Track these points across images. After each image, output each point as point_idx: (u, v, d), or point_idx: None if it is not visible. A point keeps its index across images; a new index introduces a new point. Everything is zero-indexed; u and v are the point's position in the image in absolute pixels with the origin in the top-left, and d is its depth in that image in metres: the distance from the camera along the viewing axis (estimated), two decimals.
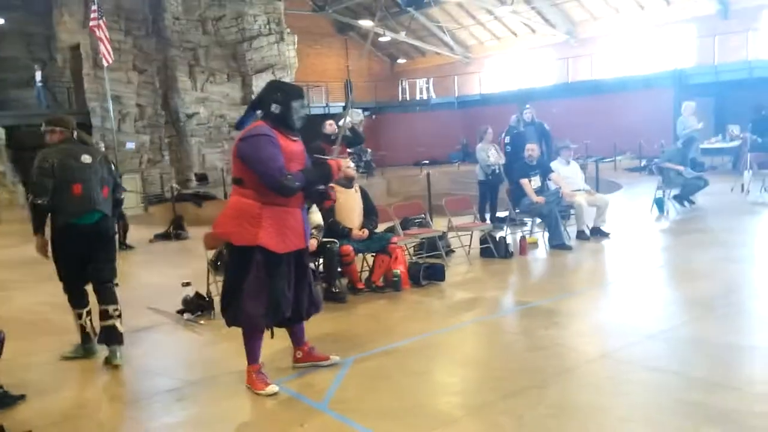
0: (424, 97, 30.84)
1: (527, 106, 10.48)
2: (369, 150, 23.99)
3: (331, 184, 4.10)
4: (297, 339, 4.23)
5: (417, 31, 31.85)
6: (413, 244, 7.54)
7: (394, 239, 6.47)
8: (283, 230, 3.78)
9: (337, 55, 33.60)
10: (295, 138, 3.89)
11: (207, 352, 4.89)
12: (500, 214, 9.79)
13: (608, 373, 3.95)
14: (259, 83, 20.87)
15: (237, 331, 3.94)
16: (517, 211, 8.51)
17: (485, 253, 7.60)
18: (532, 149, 8.26)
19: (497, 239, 7.65)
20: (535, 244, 8.13)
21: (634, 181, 15.49)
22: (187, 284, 5.86)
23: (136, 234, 10.98)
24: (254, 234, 3.70)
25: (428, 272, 6.45)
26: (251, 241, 3.71)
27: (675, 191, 10.25)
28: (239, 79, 21.53)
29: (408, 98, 31.30)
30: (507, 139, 9.86)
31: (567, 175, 8.63)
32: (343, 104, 28.43)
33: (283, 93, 3.82)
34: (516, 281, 6.84)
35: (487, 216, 9.59)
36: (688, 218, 9.68)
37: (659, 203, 10.09)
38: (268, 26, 22.16)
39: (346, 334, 5.05)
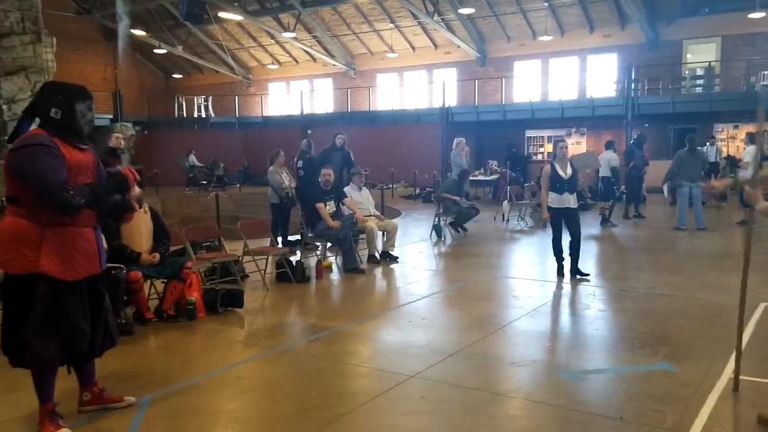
0: (203, 115, 29.77)
1: (339, 132, 10.67)
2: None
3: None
4: (86, 378, 3.65)
5: (195, 46, 30.77)
6: (204, 269, 7.08)
7: (188, 264, 5.98)
8: (71, 254, 3.27)
9: (104, 63, 30.93)
10: (83, 146, 3.38)
11: None
12: (291, 237, 9.70)
13: (421, 393, 4.04)
14: (8, 86, 18.27)
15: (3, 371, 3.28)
16: (311, 235, 8.48)
17: (282, 277, 7.42)
18: (328, 174, 8.31)
19: (294, 263, 7.53)
20: (329, 268, 8.16)
21: (411, 207, 16.53)
22: None
23: None
24: (34, 260, 3.18)
25: (225, 299, 6.08)
26: (31, 269, 3.19)
27: (451, 218, 11.11)
28: None
29: (185, 115, 29.94)
30: (300, 164, 9.84)
31: (359, 200, 8.86)
32: (110, 116, 26.23)
33: (64, 95, 3.30)
34: (315, 306, 6.77)
35: (279, 239, 9.43)
36: (463, 243, 10.55)
37: (437, 229, 10.85)
38: (21, 24, 19.48)
39: (137, 370, 4.51)
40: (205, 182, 22.55)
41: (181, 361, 4.74)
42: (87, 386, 3.65)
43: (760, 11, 18.89)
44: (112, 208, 3.49)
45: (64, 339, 3.27)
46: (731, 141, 20.03)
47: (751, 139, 12.72)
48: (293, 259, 7.84)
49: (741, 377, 4.01)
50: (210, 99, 29.94)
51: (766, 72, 19.65)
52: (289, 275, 7.33)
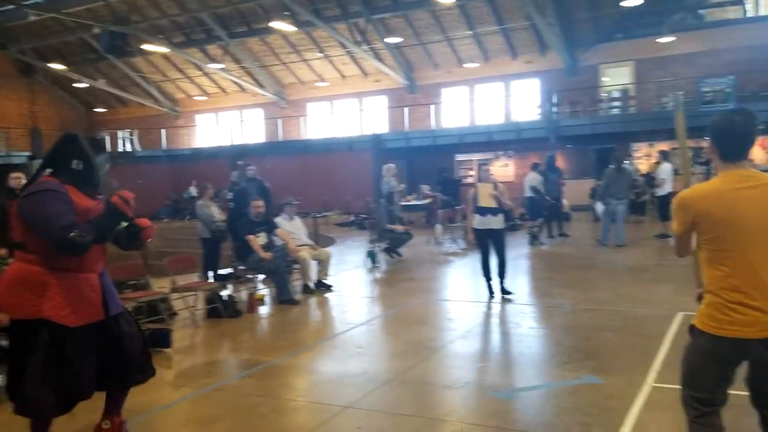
0: (128, 149, 29.02)
1: (248, 163, 10.53)
2: None
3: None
4: (112, 406, 3.70)
5: (118, 79, 30.03)
6: (130, 309, 6.81)
7: None
8: (74, 299, 3.30)
9: (19, 98, 29.76)
10: (97, 197, 3.46)
11: None
12: (222, 271, 9.51)
13: (356, 423, 4.01)
14: None
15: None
16: (243, 267, 8.35)
17: (212, 313, 7.25)
18: (258, 206, 8.23)
19: (225, 298, 7.38)
20: (262, 301, 8.04)
21: (346, 234, 16.54)
22: None
23: None
24: (37, 305, 3.23)
25: (152, 339, 5.85)
26: (34, 314, 3.22)
27: (385, 244, 11.17)
28: None
29: (108, 150, 29.11)
30: (230, 196, 9.71)
31: (291, 230, 8.80)
32: (29, 154, 25.24)
33: (84, 147, 3.41)
34: (248, 340, 6.63)
35: (210, 274, 9.22)
36: (398, 268, 10.62)
37: (372, 255, 10.89)
38: None
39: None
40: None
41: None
42: (111, 414, 3.67)
43: (669, 36, 20.16)
44: (125, 235, 3.43)
45: (64, 386, 3.27)
46: (647, 159, 21.08)
47: (665, 156, 13.44)
48: (224, 293, 7.68)
49: (663, 385, 4.18)
50: (135, 132, 29.22)
51: (678, 92, 20.83)
52: (220, 311, 7.17)
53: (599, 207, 13.12)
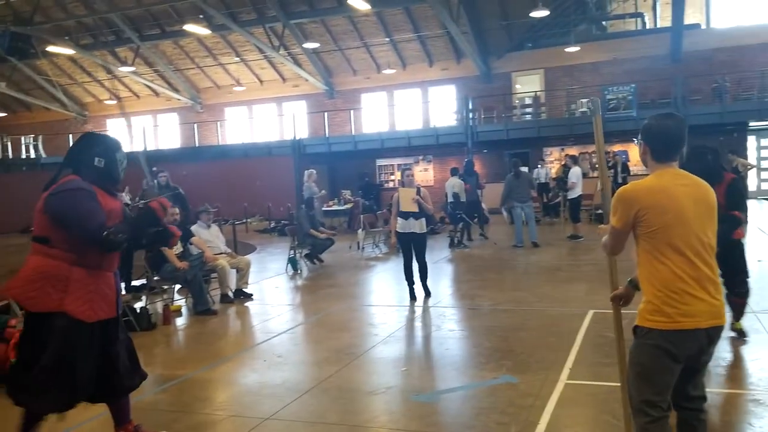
0: (32, 155, 27.45)
1: (161, 170, 10.17)
2: None
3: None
4: (120, 416, 3.69)
5: (21, 83, 28.35)
6: None
7: (12, 321, 5.40)
8: (93, 296, 3.38)
9: None
10: (114, 195, 3.60)
11: None
12: (136, 282, 9.14)
13: None
14: None
15: None
16: (157, 278, 8.04)
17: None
18: (174, 213, 7.94)
19: (137, 310, 7.07)
20: (178, 312, 7.77)
21: (267, 241, 16.27)
22: None
23: None
24: (59, 299, 3.28)
25: None
26: (54, 307, 3.27)
27: (306, 250, 11.07)
28: None
29: (10, 156, 27.42)
30: (141, 204, 9.32)
31: (208, 238, 8.57)
32: None
33: (104, 145, 3.56)
34: (163, 354, 6.38)
35: (122, 285, 8.82)
36: (319, 274, 10.54)
37: (293, 262, 10.76)
38: None
39: None
40: None
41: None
42: (121, 425, 3.66)
43: (575, 46, 21.12)
44: (153, 238, 3.72)
45: (68, 384, 3.28)
46: (559, 163, 21.96)
47: (574, 160, 14.03)
48: (137, 305, 7.37)
49: (575, 382, 4.33)
50: (40, 138, 27.67)
51: (584, 100, 21.86)
52: (133, 324, 6.85)
53: (504, 212, 13.60)
